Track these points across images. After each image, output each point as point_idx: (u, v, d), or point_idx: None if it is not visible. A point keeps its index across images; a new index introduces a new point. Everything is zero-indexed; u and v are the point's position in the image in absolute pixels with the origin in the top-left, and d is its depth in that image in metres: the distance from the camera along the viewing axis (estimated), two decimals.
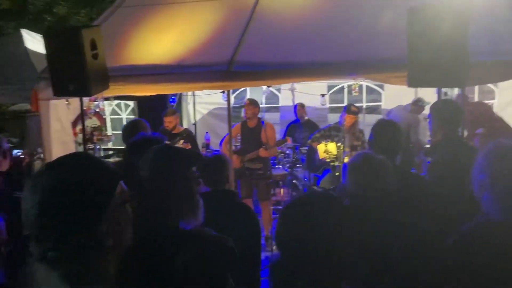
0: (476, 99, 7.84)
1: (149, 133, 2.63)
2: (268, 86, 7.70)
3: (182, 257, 1.54)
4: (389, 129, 2.82)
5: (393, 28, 3.98)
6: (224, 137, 5.83)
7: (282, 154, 6.85)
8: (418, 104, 6.91)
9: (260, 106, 8.78)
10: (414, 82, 3.47)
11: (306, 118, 7.19)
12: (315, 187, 5.70)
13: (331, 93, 8.38)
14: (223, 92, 6.59)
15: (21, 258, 1.07)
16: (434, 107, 3.12)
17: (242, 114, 5.94)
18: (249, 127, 5.74)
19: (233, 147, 5.63)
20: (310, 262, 1.41)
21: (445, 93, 3.75)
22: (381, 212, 2.00)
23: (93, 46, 3.77)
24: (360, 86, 8.03)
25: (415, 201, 2.42)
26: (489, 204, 1.75)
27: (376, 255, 1.83)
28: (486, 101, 7.36)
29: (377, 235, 1.85)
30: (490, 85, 7.23)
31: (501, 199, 1.70)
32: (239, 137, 5.83)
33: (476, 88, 7.40)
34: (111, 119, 8.84)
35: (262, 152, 5.64)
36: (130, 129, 3.36)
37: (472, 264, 1.72)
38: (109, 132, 7.89)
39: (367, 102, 8.67)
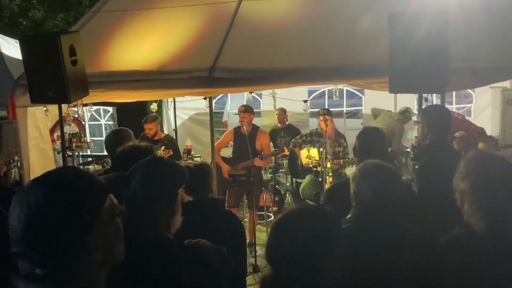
0: (454, 103, 8.01)
1: (136, 145, 2.55)
2: (250, 92, 7.71)
3: (186, 271, 1.52)
4: (374, 136, 2.83)
5: (374, 34, 4.02)
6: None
7: None
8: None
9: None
10: (395, 88, 3.51)
11: (287, 123, 7.21)
12: (307, 201, 5.67)
13: (312, 98, 8.45)
14: (204, 98, 6.57)
15: (4, 276, 1.03)
16: (424, 111, 3.16)
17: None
18: (242, 133, 5.55)
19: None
20: (301, 277, 1.41)
21: (425, 99, 3.80)
22: (394, 220, 1.97)
23: (72, 52, 3.70)
24: (341, 91, 8.13)
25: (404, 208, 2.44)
26: (470, 213, 1.76)
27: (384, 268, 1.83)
28: (464, 105, 7.53)
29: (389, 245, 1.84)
30: (468, 90, 7.39)
31: (480, 209, 1.72)
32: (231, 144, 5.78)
33: (454, 92, 7.55)
34: (90, 125, 8.71)
35: (257, 162, 5.56)
36: (113, 139, 3.26)
37: (453, 273, 1.73)
38: (88, 138, 7.76)
39: (348, 106, 8.76)
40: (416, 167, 3.00)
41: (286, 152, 6.26)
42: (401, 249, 1.90)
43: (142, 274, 1.47)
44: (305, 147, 5.86)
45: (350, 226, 2.02)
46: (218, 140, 5.80)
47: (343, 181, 3.09)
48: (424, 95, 3.79)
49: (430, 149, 2.92)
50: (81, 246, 1.03)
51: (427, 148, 2.97)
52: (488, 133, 6.44)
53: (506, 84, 7.26)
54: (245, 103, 8.85)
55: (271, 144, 6.46)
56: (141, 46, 4.62)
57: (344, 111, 8.82)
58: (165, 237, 1.61)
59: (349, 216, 2.11)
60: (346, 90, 8.35)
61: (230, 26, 4.59)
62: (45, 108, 5.16)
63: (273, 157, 6.60)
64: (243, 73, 4.15)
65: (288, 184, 6.93)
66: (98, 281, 1.09)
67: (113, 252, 1.13)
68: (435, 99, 6.01)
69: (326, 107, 8.11)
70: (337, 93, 7.83)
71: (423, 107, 3.60)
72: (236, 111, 5.90)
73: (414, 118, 8.15)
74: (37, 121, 4.76)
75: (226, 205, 5.55)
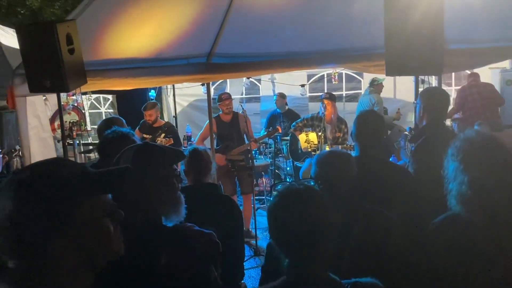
0: (453, 84, 8.00)
1: (119, 129, 2.52)
2: (248, 78, 7.70)
3: (166, 254, 1.55)
4: (371, 120, 2.84)
5: (369, 17, 4.01)
6: (198, 135, 5.74)
7: (264, 144, 6.88)
8: (373, 84, 7.16)
9: (241, 96, 8.84)
10: (391, 71, 3.52)
11: (286, 108, 7.22)
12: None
13: (311, 82, 8.44)
14: (202, 84, 6.57)
15: None
16: (421, 93, 3.17)
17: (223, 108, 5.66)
18: (224, 121, 5.60)
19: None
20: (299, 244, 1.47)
21: (423, 81, 3.81)
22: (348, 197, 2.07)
23: (69, 40, 3.70)
24: (340, 75, 8.12)
25: (393, 191, 2.48)
26: (454, 197, 1.76)
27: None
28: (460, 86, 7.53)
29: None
30: (467, 71, 7.37)
31: (469, 192, 1.70)
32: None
33: (453, 75, 7.55)
34: (90, 113, 8.73)
35: (253, 145, 5.59)
36: (105, 127, 3.27)
37: (440, 260, 1.75)
38: (89, 126, 7.79)
39: (347, 90, 8.75)
40: (412, 148, 3.02)
41: (280, 131, 6.29)
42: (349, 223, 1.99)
43: (133, 260, 1.49)
44: (306, 130, 5.88)
45: None
46: (201, 133, 5.71)
47: None
48: (421, 77, 3.80)
49: (426, 130, 2.94)
50: (47, 247, 1.00)
51: (423, 129, 2.99)
52: None
53: (505, 64, 7.26)
54: (243, 89, 8.88)
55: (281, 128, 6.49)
56: (138, 33, 4.62)
57: (344, 95, 8.82)
58: (151, 220, 1.62)
59: None
60: (345, 73, 8.35)
61: (227, 11, 4.57)
62: (44, 97, 5.18)
63: (273, 142, 6.64)
64: (241, 58, 4.16)
65: (288, 168, 6.97)
66: (78, 282, 1.06)
67: (95, 254, 1.07)
68: (434, 81, 6.02)
69: (326, 91, 8.13)
70: (336, 76, 7.83)
71: (420, 89, 3.62)
72: (237, 96, 5.91)
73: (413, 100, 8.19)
74: (37, 110, 4.78)
75: (241, 192, 5.60)
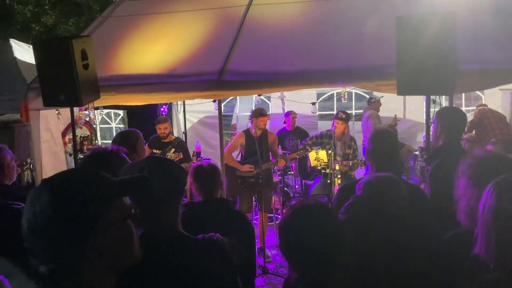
0: (463, 105, 7.98)
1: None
2: (259, 95, 7.74)
3: (207, 264, 1.55)
4: (386, 138, 2.84)
5: (381, 36, 4.04)
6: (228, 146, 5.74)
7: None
8: (371, 101, 7.40)
9: (250, 114, 8.87)
10: (403, 90, 3.53)
11: (296, 125, 7.23)
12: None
13: (321, 101, 8.46)
14: (214, 100, 6.62)
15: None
16: (439, 112, 3.16)
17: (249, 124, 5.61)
18: (253, 136, 5.49)
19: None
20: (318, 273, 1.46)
21: (434, 101, 3.81)
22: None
23: (84, 56, 3.77)
24: (350, 93, 8.14)
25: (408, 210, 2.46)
26: (464, 212, 1.74)
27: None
28: (473, 107, 7.50)
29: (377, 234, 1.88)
30: (477, 92, 7.36)
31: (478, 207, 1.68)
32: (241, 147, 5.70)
33: (463, 95, 7.54)
34: (101, 128, 8.80)
35: (281, 163, 5.60)
36: (119, 140, 3.24)
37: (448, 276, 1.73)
38: (99, 141, 7.85)
39: (356, 109, 8.75)
40: (429, 168, 3.00)
41: (310, 151, 6.27)
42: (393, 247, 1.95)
43: (163, 271, 1.49)
44: (314, 148, 5.88)
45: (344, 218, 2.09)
46: (229, 144, 5.74)
47: (353, 182, 3.11)
48: (432, 97, 3.80)
49: (442, 150, 2.93)
50: (81, 249, 1.03)
51: (439, 149, 2.98)
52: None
53: None
54: (253, 107, 8.91)
55: (279, 146, 6.49)
56: (151, 49, 4.68)
57: (353, 114, 8.82)
58: (182, 233, 1.63)
59: (346, 204, 2.18)
60: (355, 92, 8.36)
61: (239, 29, 4.64)
62: (57, 112, 5.24)
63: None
64: (252, 76, 4.19)
65: (296, 186, 6.95)
66: (102, 283, 1.09)
67: (120, 256, 1.11)
68: (444, 101, 6.02)
69: (335, 109, 8.15)
70: (346, 95, 7.85)
71: (431, 109, 3.61)
72: (246, 113, 5.91)
73: (423, 120, 8.19)
74: (49, 124, 4.83)
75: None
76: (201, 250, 1.61)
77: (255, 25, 4.75)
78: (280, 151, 6.46)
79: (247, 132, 5.63)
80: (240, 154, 5.93)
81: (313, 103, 7.73)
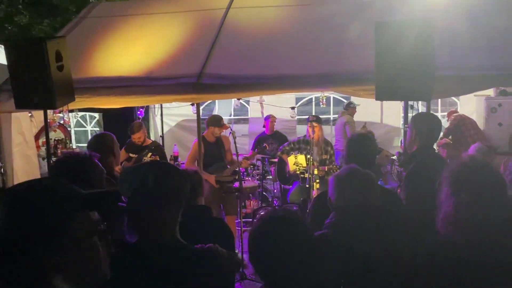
0: (439, 111, 8.12)
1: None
2: (238, 99, 7.71)
3: (205, 276, 1.52)
4: (364, 143, 2.84)
5: (361, 42, 4.06)
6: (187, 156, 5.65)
7: (252, 166, 6.85)
8: (350, 106, 7.49)
9: (229, 117, 8.84)
10: (381, 96, 3.54)
11: (274, 130, 7.23)
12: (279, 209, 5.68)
13: (299, 105, 8.48)
14: (192, 104, 6.55)
15: None
16: (414, 118, 3.18)
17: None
18: (209, 142, 5.51)
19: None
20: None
21: (411, 106, 3.84)
22: (366, 228, 2.01)
23: (58, 57, 3.66)
24: (328, 98, 8.19)
25: (390, 217, 2.45)
26: (442, 220, 1.74)
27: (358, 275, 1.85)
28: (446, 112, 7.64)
29: (363, 251, 1.86)
30: (453, 97, 7.49)
31: (455, 214, 1.68)
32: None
33: (439, 101, 7.66)
34: (76, 131, 8.62)
35: (244, 163, 5.58)
36: (95, 144, 3.18)
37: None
38: (74, 145, 7.68)
39: (334, 113, 8.80)
40: (404, 173, 3.02)
41: (268, 148, 6.31)
42: (376, 257, 1.93)
43: (160, 279, 1.45)
44: (292, 154, 5.88)
45: (326, 233, 2.05)
46: (189, 154, 5.58)
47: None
48: (410, 102, 3.83)
49: (417, 156, 2.94)
50: (39, 267, 0.96)
51: (413, 154, 3.00)
52: None
53: (490, 92, 7.39)
54: (232, 111, 8.88)
55: (256, 150, 6.49)
56: (128, 51, 4.60)
57: (331, 118, 8.88)
58: (181, 242, 1.59)
59: (326, 221, 2.15)
60: (333, 97, 8.42)
61: (218, 32, 4.60)
62: (30, 114, 5.09)
63: (261, 163, 6.61)
64: (231, 79, 4.15)
65: (275, 190, 6.93)
66: None
67: (85, 277, 1.03)
68: (420, 107, 6.09)
69: (313, 114, 8.18)
70: (324, 100, 7.90)
71: (409, 114, 3.64)
72: (225, 117, 5.89)
73: (400, 125, 8.30)
74: (22, 127, 4.70)
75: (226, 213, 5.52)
76: (199, 260, 1.57)
77: (234, 28, 4.71)
78: (258, 156, 6.46)
79: (203, 139, 5.50)
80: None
81: (293, 108, 7.74)
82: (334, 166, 5.59)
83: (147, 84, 4.20)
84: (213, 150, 5.48)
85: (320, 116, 6.15)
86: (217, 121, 5.55)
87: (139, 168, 1.61)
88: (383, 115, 8.32)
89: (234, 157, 5.49)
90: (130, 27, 4.94)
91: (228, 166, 5.62)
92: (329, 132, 8.25)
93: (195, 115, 5.24)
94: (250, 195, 6.29)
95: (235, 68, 4.23)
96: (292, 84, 4.17)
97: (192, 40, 4.62)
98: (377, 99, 3.60)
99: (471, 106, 7.61)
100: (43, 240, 0.96)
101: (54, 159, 6.05)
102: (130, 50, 4.60)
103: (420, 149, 2.95)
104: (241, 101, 8.13)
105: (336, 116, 8.88)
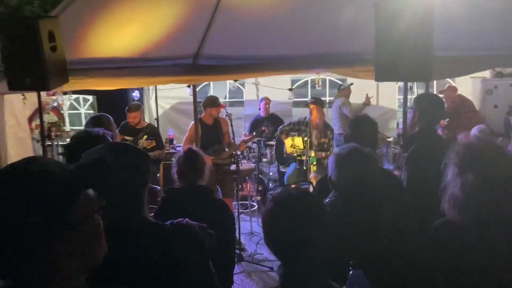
0: (435, 92, 8.08)
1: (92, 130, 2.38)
2: (235, 80, 7.64)
3: (181, 249, 1.49)
4: (366, 124, 2.82)
5: (359, 22, 4.00)
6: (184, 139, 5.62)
7: (248, 148, 6.82)
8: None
9: (225, 100, 8.77)
10: (381, 77, 3.50)
11: (270, 112, 7.18)
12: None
13: (295, 87, 8.43)
14: (188, 86, 6.48)
15: None
16: (417, 98, 3.16)
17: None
18: (207, 124, 5.51)
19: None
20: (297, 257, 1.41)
21: (410, 87, 3.82)
22: (365, 205, 2.01)
23: (51, 38, 3.58)
24: (323, 80, 8.13)
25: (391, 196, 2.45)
26: (447, 201, 1.72)
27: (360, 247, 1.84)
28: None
29: (361, 227, 1.86)
30: (448, 79, 7.47)
31: (460, 195, 1.66)
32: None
33: (435, 82, 7.64)
34: (69, 114, 8.52)
35: (243, 146, 5.56)
36: (92, 126, 3.17)
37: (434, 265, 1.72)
38: (67, 128, 7.60)
39: (330, 96, 8.75)
40: (405, 154, 3.00)
41: (266, 131, 6.29)
42: (377, 237, 1.92)
43: (134, 261, 1.42)
44: (291, 135, 5.86)
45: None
46: (186, 137, 5.56)
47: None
48: (409, 83, 3.81)
49: (418, 137, 2.93)
50: (47, 254, 0.91)
51: (415, 135, 2.98)
52: None
53: (486, 74, 7.38)
54: (227, 93, 8.82)
55: (253, 133, 6.47)
56: (122, 32, 4.51)
57: (327, 100, 8.83)
58: (151, 221, 1.56)
59: (326, 201, 2.14)
60: (329, 79, 8.36)
61: (214, 13, 4.51)
62: (23, 96, 5.02)
63: (257, 146, 6.59)
64: (228, 60, 4.09)
65: (271, 173, 6.92)
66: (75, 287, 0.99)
67: (92, 255, 1.01)
68: (416, 89, 6.06)
69: (310, 96, 8.14)
70: (320, 82, 7.84)
71: (409, 96, 3.62)
72: (220, 100, 5.84)
73: (396, 107, 8.29)
74: (15, 109, 4.63)
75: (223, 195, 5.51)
76: (171, 236, 1.54)
77: (230, 8, 4.62)
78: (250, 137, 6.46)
79: (200, 120, 5.46)
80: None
81: (290, 89, 7.68)
82: (331, 151, 5.59)
83: (142, 65, 4.13)
84: (211, 133, 5.46)
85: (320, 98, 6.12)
86: (213, 101, 5.52)
87: (97, 151, 1.52)
88: (379, 97, 8.30)
89: (232, 140, 5.46)
90: (125, 7, 4.83)
91: (226, 149, 5.60)
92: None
93: (190, 97, 5.19)
94: (247, 177, 6.27)
95: (233, 49, 4.16)
96: (291, 65, 4.12)
97: (188, 20, 4.53)
98: (376, 80, 3.57)
99: (467, 88, 7.59)
100: (48, 231, 0.91)
101: (49, 142, 5.99)
102: (125, 31, 4.51)
103: (422, 130, 2.93)
104: (237, 83, 8.07)
105: (332, 98, 8.85)
